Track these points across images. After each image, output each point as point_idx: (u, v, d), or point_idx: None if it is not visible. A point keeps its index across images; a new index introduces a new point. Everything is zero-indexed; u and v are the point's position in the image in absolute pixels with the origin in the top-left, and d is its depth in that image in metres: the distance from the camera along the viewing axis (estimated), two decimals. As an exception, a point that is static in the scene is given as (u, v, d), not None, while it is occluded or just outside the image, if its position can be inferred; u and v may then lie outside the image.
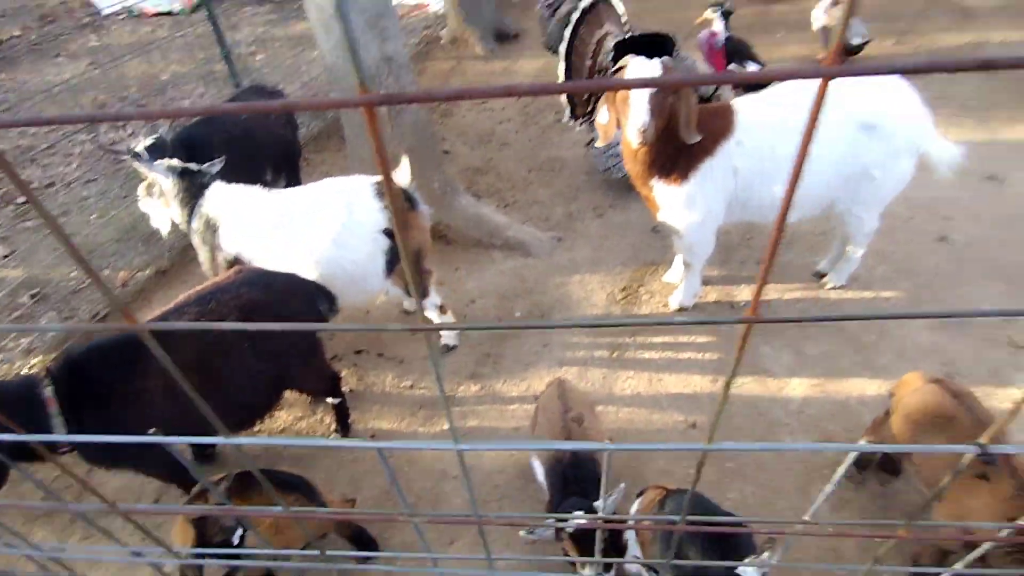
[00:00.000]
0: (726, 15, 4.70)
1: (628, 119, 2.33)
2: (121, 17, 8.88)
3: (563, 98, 3.74)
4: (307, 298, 2.29)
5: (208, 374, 1.99)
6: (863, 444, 2.14)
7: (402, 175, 2.62)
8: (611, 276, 3.42)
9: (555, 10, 5.01)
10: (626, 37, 3.43)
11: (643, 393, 2.72)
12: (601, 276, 3.43)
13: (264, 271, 2.28)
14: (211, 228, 2.51)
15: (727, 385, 0.58)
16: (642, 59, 2.34)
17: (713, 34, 3.58)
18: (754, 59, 4.30)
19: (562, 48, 3.61)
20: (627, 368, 2.85)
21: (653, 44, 3.41)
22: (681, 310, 3.09)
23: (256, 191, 2.60)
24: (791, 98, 2.50)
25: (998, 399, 2.48)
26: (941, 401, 1.85)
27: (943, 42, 5.56)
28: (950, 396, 1.85)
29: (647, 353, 2.91)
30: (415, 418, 2.76)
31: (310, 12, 2.99)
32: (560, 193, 4.14)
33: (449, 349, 3.04)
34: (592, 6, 3.52)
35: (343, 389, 2.65)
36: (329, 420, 2.75)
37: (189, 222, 2.59)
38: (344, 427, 2.66)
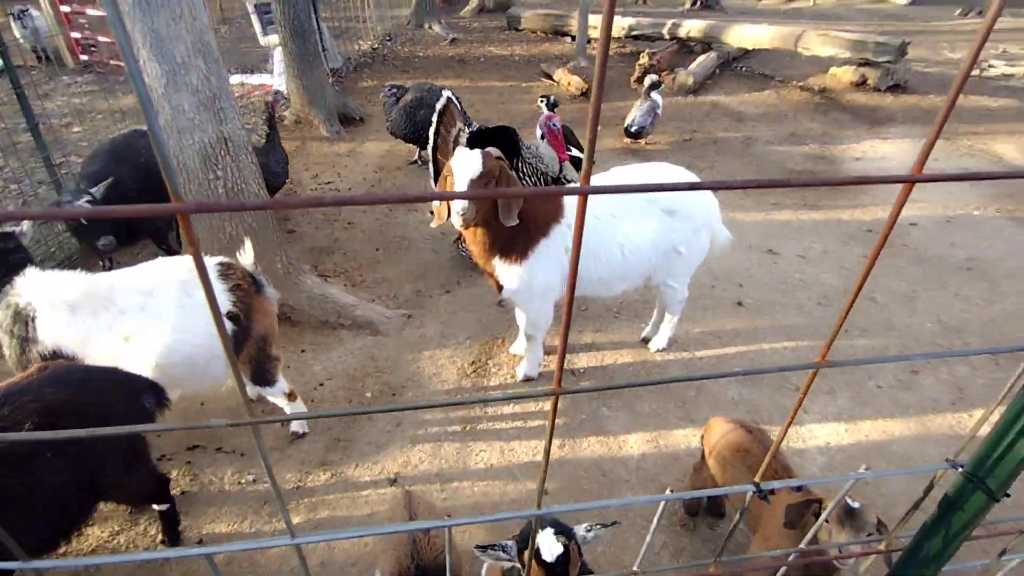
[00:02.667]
0: (552, 107, 5.28)
1: (453, 203, 2.51)
2: None
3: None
4: (129, 395, 2.08)
5: (3, 490, 1.70)
6: (667, 494, 2.38)
7: (246, 257, 2.52)
8: (460, 350, 3.52)
9: (398, 99, 5.28)
10: (476, 130, 3.73)
11: (496, 465, 2.79)
12: (451, 351, 3.51)
13: (75, 366, 2.04)
14: (22, 319, 2.21)
15: (546, 452, 0.67)
16: (465, 151, 2.56)
17: (549, 117, 3.98)
18: (577, 146, 4.84)
19: (428, 151, 3.82)
20: (480, 441, 2.91)
21: (499, 135, 3.74)
22: (528, 379, 3.26)
23: (77, 275, 2.35)
24: (605, 181, 2.87)
25: (791, 436, 2.93)
26: (740, 438, 2.18)
27: (723, 136, 6.68)
28: (745, 432, 2.20)
29: (498, 424, 3.00)
30: (259, 516, 2.55)
31: (138, 90, 2.86)
32: (408, 271, 4.22)
33: (298, 436, 2.89)
34: (445, 107, 3.79)
35: (172, 492, 2.39)
36: (155, 531, 2.44)
37: None
38: (173, 536, 2.37)
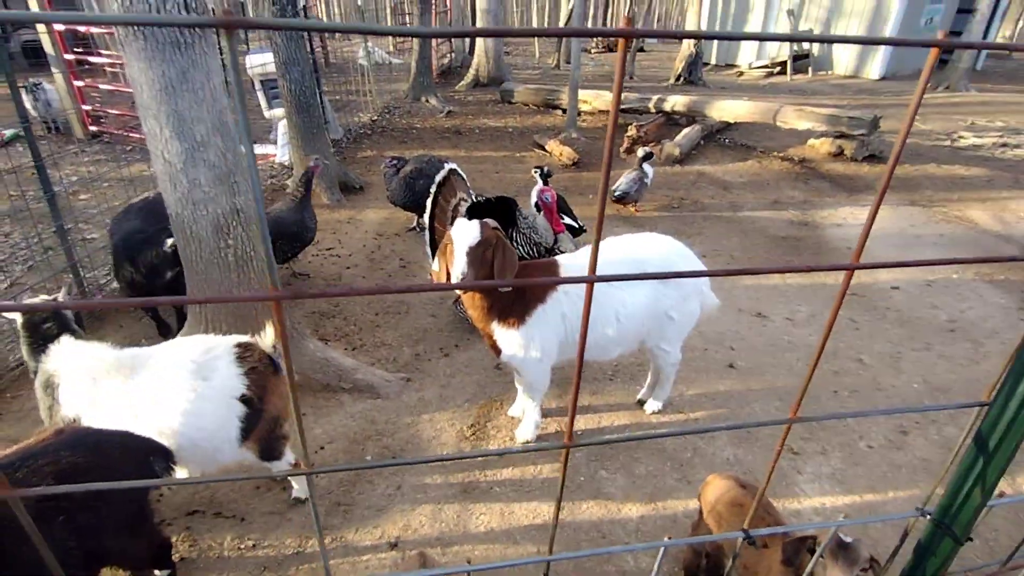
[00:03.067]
0: (546, 177, 5.54)
1: (452, 270, 2.65)
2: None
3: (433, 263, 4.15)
4: (139, 458, 2.12)
5: (8, 553, 1.73)
6: (666, 541, 2.41)
7: (266, 339, 2.58)
8: (459, 413, 3.57)
9: (398, 169, 5.53)
10: (475, 201, 3.93)
11: (496, 528, 2.80)
12: (450, 414, 3.56)
13: (91, 430, 2.09)
14: (51, 385, 2.28)
15: (557, 503, 0.77)
16: (464, 220, 2.72)
17: (543, 190, 4.19)
18: (570, 214, 5.05)
19: (426, 219, 4.01)
20: (479, 504, 2.93)
21: (498, 206, 3.94)
22: (526, 443, 3.30)
23: (104, 350, 2.42)
24: (602, 255, 3.03)
25: (784, 496, 2.97)
26: (735, 494, 2.24)
27: (709, 203, 6.96)
28: (740, 489, 2.25)
29: (497, 488, 3.03)
30: (258, 582, 2.53)
31: (156, 164, 3.04)
32: (407, 335, 4.32)
33: (300, 502, 2.89)
34: (445, 179, 4.01)
35: (172, 558, 2.39)
36: (152, 597, 2.42)
37: (35, 373, 2.38)
38: (171, 605, 2.36)
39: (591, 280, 0.72)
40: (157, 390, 2.35)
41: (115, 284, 4.75)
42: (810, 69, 16.95)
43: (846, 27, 16.25)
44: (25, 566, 1.77)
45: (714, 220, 6.55)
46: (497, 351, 2.98)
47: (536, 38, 27.56)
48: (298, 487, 2.91)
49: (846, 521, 0.95)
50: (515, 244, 4.00)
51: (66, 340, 2.39)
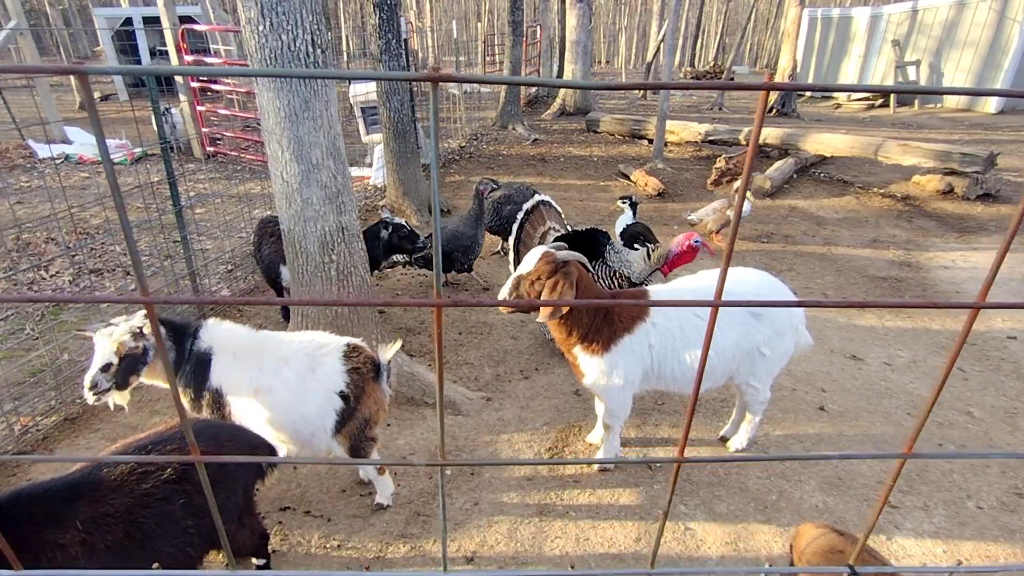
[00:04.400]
0: (634, 206, 5.55)
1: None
2: (58, 162, 8.98)
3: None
4: (249, 452, 2.31)
5: (134, 528, 1.92)
6: (767, 568, 2.32)
7: (388, 351, 2.79)
8: (537, 435, 3.61)
9: (484, 193, 5.71)
10: (565, 232, 4.04)
11: (571, 553, 2.80)
12: (528, 435, 3.61)
13: (212, 422, 2.30)
14: (201, 362, 2.56)
15: (664, 516, 0.80)
16: (542, 248, 2.80)
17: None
18: (654, 242, 5.03)
19: (511, 241, 4.15)
20: (555, 526, 2.94)
21: (586, 237, 4.02)
22: (603, 471, 3.29)
23: (245, 330, 2.71)
24: (693, 287, 3.01)
25: (885, 551, 2.77)
26: (832, 540, 2.14)
27: (801, 239, 6.70)
28: (837, 535, 2.15)
29: (574, 513, 3.03)
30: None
31: (275, 184, 3.32)
32: (488, 355, 4.42)
33: (382, 508, 3.02)
34: (534, 207, 4.15)
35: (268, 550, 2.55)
36: (246, 586, 2.59)
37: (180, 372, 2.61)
38: (263, 593, 2.51)
39: (716, 304, 0.76)
40: (276, 373, 2.61)
41: (226, 292, 5.17)
42: (916, 102, 16.07)
43: (959, 59, 15.31)
44: (160, 543, 1.96)
45: (806, 257, 6.31)
46: (580, 375, 3.01)
47: (624, 67, 27.75)
48: (381, 495, 3.04)
49: (964, 567, 0.91)
50: (598, 276, 4.04)
51: (212, 321, 2.67)
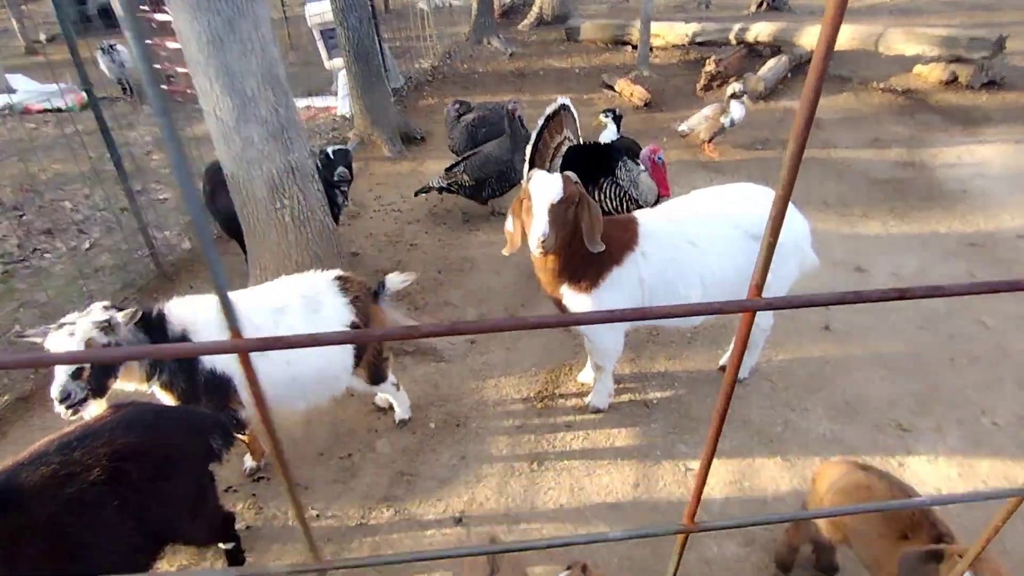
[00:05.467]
0: (617, 120, 5.12)
1: (530, 230, 2.37)
2: (3, 113, 8.32)
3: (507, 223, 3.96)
4: (196, 436, 2.06)
5: (62, 540, 1.69)
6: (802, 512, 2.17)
7: (398, 280, 2.80)
8: (526, 378, 3.39)
9: (461, 115, 5.25)
10: (576, 144, 3.68)
11: (566, 505, 2.63)
12: (515, 379, 3.39)
13: (148, 407, 2.03)
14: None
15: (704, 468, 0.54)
16: (543, 174, 2.43)
17: (654, 150, 3.83)
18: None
19: (528, 149, 3.89)
20: (548, 478, 2.77)
21: (598, 152, 3.66)
22: (597, 411, 3.09)
23: (210, 297, 2.44)
24: (685, 211, 2.69)
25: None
26: (857, 478, 1.95)
27: (803, 148, 6.29)
28: (863, 471, 1.99)
29: (567, 461, 2.85)
30: (321, 553, 2.49)
31: (209, 121, 2.91)
32: (471, 294, 4.14)
33: (405, 423, 3.03)
34: (555, 113, 3.78)
35: (238, 526, 2.36)
36: (222, 564, 2.42)
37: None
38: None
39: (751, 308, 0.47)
40: (277, 326, 2.39)
41: (187, 245, 4.82)
42: (916, -15, 15.07)
43: (962, -67, 14.18)
44: (96, 551, 1.74)
45: (805, 163, 5.88)
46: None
47: (603, -31, 25.86)
48: (400, 408, 3.01)
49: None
50: (605, 196, 3.69)
51: (174, 302, 2.37)
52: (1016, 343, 3.42)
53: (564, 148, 3.91)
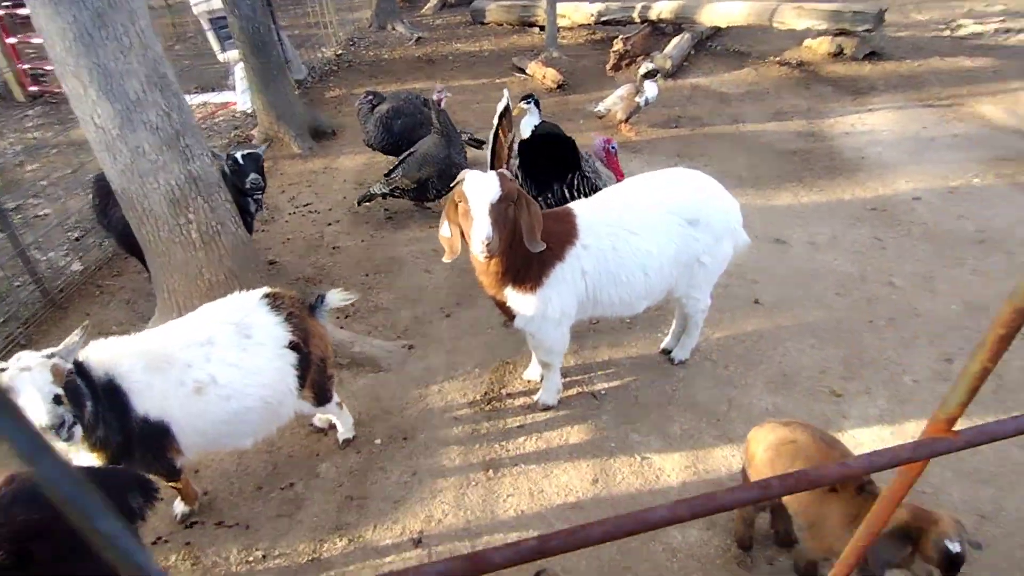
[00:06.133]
0: (537, 104, 5.04)
1: (472, 233, 2.25)
2: None
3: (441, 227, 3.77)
4: (114, 499, 1.81)
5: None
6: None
7: (337, 297, 2.64)
8: (470, 380, 3.28)
9: (374, 107, 4.99)
10: (531, 138, 3.56)
11: (527, 512, 2.56)
12: (460, 383, 3.27)
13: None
14: (112, 396, 2.02)
15: None
16: (477, 173, 2.31)
17: (608, 140, 3.87)
18: (567, 141, 4.60)
19: (487, 150, 3.82)
20: (505, 484, 2.68)
21: (558, 145, 3.56)
22: (547, 408, 3.03)
23: (125, 340, 2.18)
24: (621, 200, 2.65)
25: (836, 450, 2.74)
26: (783, 432, 2.07)
27: (709, 119, 6.47)
28: (784, 427, 2.09)
29: (523, 464, 2.77)
30: (273, 599, 2.30)
31: (87, 130, 2.56)
32: (403, 296, 3.96)
33: (348, 443, 2.87)
34: (505, 110, 3.66)
35: (172, 586, 2.13)
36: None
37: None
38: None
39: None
40: (207, 360, 2.19)
41: (77, 266, 4.32)
42: (797, -38, 15.91)
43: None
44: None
45: (716, 138, 6.10)
46: (511, 317, 2.64)
47: (501, -52, 25.61)
48: (343, 427, 2.84)
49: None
50: (577, 192, 3.59)
51: (91, 346, 2.10)
52: (923, 302, 3.66)
53: (515, 144, 3.80)
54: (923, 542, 1.65)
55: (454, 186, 2.38)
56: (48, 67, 7.90)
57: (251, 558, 2.42)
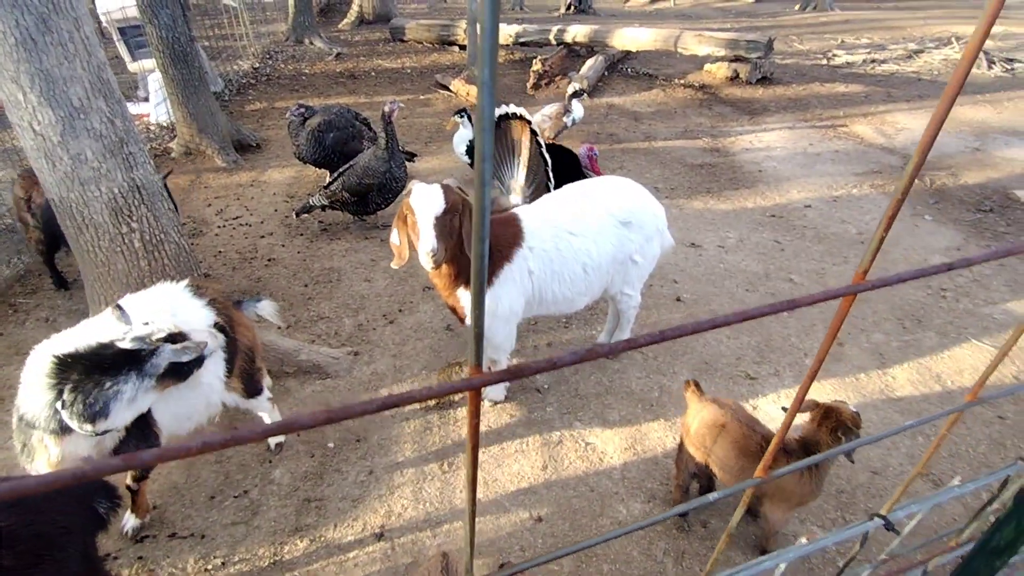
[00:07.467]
0: (470, 119, 5.24)
1: (418, 243, 2.40)
2: None
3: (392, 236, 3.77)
4: (77, 503, 1.79)
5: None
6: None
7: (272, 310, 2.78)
8: (418, 383, 3.39)
9: (305, 120, 5.00)
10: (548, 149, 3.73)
11: (483, 499, 2.71)
12: (408, 384, 3.37)
13: (8, 480, 1.71)
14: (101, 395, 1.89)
15: None
16: (423, 185, 2.45)
17: (591, 147, 4.27)
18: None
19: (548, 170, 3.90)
20: (461, 477, 2.81)
21: (563, 156, 3.72)
22: (496, 403, 3.20)
23: (76, 333, 2.05)
24: (561, 205, 2.88)
25: (754, 425, 3.08)
26: (716, 415, 2.35)
27: (624, 135, 6.94)
28: (719, 409, 2.36)
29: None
30: (236, 602, 2.30)
31: (24, 137, 2.47)
32: (344, 304, 4.01)
33: (280, 447, 2.90)
34: (497, 123, 3.74)
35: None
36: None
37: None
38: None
39: (852, 292, 0.58)
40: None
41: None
42: (692, -7, 17.18)
43: (725, -51, 16.47)
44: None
45: (632, 153, 6.55)
46: (462, 319, 2.80)
47: (414, -32, 25.83)
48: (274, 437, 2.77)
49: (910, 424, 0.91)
50: None
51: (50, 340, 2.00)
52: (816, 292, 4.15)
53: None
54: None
55: (402, 198, 2.52)
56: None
57: (209, 566, 2.40)
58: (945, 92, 0.52)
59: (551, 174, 3.78)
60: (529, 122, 3.67)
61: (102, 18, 6.46)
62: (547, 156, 3.74)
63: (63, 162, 2.48)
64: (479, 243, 0.42)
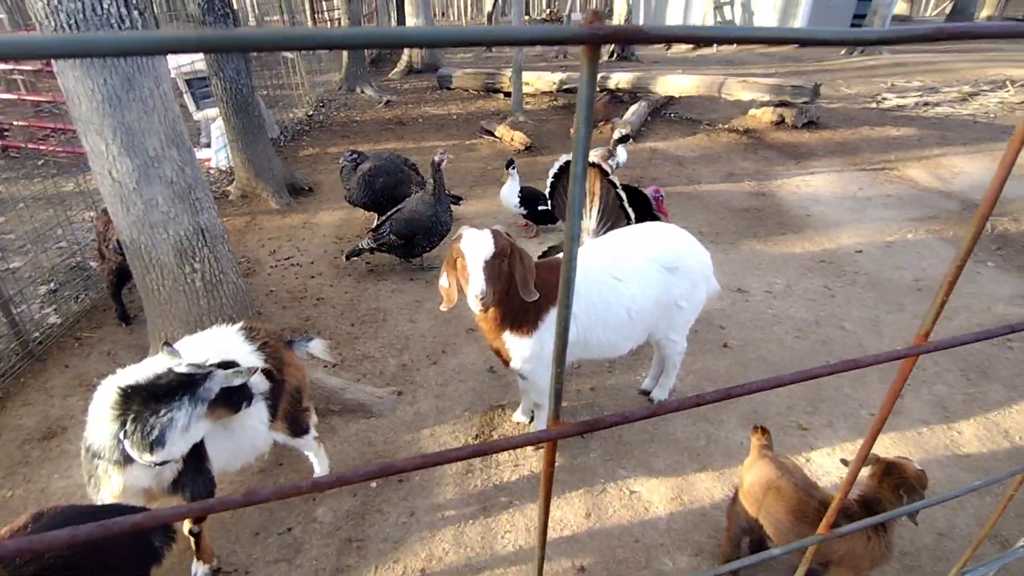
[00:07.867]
0: (515, 170, 5.37)
1: (468, 287, 2.44)
2: None
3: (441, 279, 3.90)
4: (132, 536, 1.85)
5: None
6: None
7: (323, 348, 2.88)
8: (461, 424, 3.39)
9: (357, 165, 5.21)
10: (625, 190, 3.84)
11: (524, 546, 2.66)
12: (451, 426, 3.38)
13: (75, 511, 1.78)
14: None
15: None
16: (473, 230, 2.51)
17: (657, 189, 4.37)
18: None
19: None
20: (502, 520, 2.78)
21: (639, 196, 3.94)
22: (538, 448, 3.17)
23: (137, 369, 2.12)
24: (605, 250, 2.90)
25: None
26: (769, 474, 2.25)
27: (668, 180, 6.95)
28: (774, 468, 2.26)
29: (518, 502, 2.88)
30: (276, 642, 2.30)
31: (103, 184, 2.67)
32: (389, 344, 4.08)
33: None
34: (564, 168, 3.87)
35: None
36: None
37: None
38: None
39: (915, 353, 0.58)
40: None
41: (54, 319, 4.28)
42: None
43: (763, 6, 16.72)
44: None
45: (676, 197, 6.55)
46: (506, 362, 2.81)
47: (462, 19, 27.05)
48: (319, 467, 2.92)
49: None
50: None
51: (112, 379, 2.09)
52: (871, 342, 4.01)
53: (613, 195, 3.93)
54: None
55: (448, 241, 2.58)
56: (15, 122, 7.90)
57: (253, 603, 2.42)
58: (1014, 136, 0.52)
59: (629, 209, 3.81)
60: (600, 167, 3.74)
61: (172, 72, 6.95)
62: (622, 193, 3.79)
63: (136, 207, 2.65)
64: (564, 308, 0.44)
